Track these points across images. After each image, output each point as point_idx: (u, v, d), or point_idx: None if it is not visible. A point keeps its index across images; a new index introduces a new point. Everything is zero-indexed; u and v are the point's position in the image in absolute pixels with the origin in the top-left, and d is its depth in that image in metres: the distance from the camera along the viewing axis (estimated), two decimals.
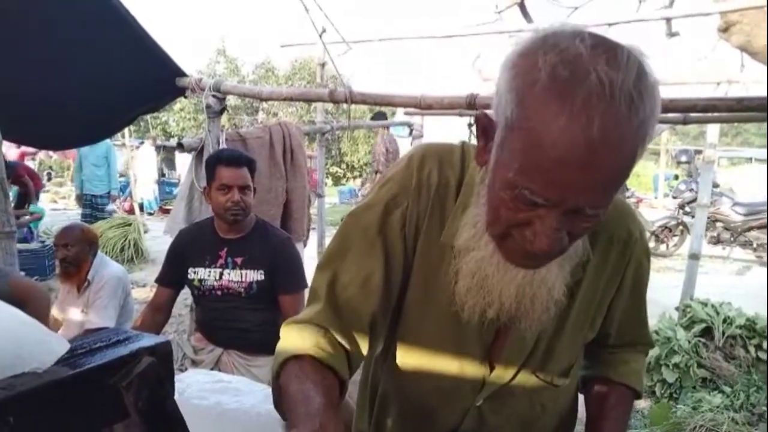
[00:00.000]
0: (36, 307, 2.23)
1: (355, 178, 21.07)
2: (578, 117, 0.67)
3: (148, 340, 0.87)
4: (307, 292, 2.64)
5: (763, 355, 3.91)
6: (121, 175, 11.82)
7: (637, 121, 0.68)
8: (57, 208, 12.69)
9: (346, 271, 0.97)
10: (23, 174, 7.62)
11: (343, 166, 21.39)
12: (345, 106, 2.95)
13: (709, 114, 2.25)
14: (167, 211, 11.29)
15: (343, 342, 0.93)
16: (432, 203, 0.97)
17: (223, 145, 3.22)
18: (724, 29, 5.62)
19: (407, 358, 1.06)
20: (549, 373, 1.04)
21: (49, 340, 0.79)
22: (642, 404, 3.67)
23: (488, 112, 0.85)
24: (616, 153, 0.69)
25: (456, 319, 0.95)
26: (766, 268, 6.96)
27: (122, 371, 0.82)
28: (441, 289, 0.96)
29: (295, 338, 0.92)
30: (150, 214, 11.98)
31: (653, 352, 3.87)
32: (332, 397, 0.84)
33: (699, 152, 8.89)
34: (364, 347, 0.97)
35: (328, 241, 4.26)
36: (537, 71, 0.70)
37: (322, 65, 4.26)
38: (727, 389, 3.69)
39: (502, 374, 1.02)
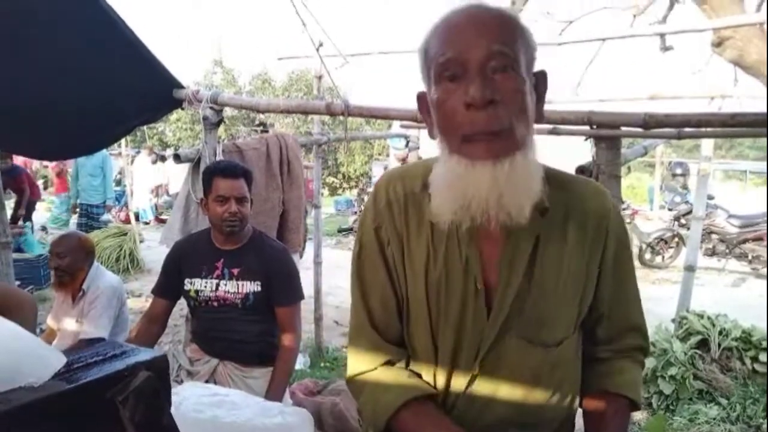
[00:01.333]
0: (22, 315, 2.15)
1: (351, 188, 21.07)
2: (456, 10, 0.97)
3: (145, 354, 0.88)
4: (302, 303, 2.65)
5: (759, 368, 3.92)
6: (117, 184, 11.83)
7: (501, 10, 0.97)
8: None
9: (376, 302, 1.15)
10: (25, 181, 7.58)
11: (340, 176, 21.40)
12: (342, 117, 2.97)
13: (703, 129, 2.27)
14: (163, 221, 11.28)
15: (409, 362, 1.14)
16: (405, 210, 1.11)
17: (219, 157, 3.23)
18: (718, 44, 5.67)
19: (415, 342, 1.14)
20: (540, 339, 1.07)
21: (46, 355, 0.80)
22: (639, 416, 3.66)
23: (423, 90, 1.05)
24: (488, 14, 0.95)
25: (447, 293, 1.07)
26: (765, 280, 6.97)
27: (119, 386, 0.82)
28: (434, 276, 1.08)
29: (382, 393, 1.10)
30: (146, 223, 11.97)
31: (650, 364, 3.86)
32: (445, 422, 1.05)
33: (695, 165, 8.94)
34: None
35: (324, 251, 4.24)
36: (433, 27, 0.99)
37: (319, 78, 4.28)
38: (724, 401, 3.70)
39: (490, 335, 1.06)
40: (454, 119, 0.95)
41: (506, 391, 1.09)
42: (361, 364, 1.15)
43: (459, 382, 1.10)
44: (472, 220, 0.98)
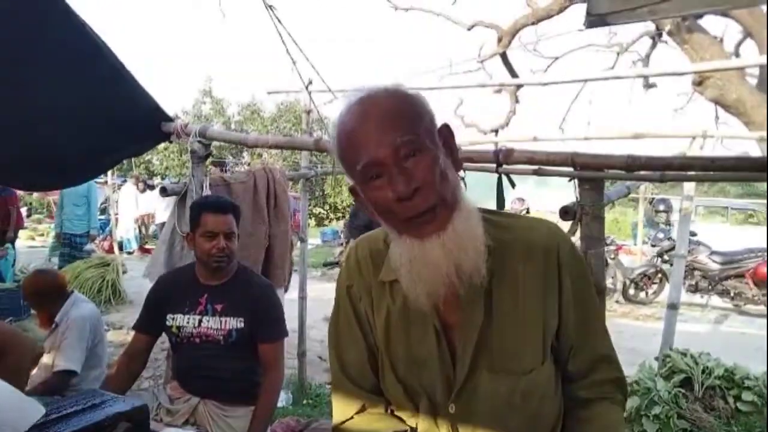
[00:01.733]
0: (17, 357, 2.18)
1: (338, 219, 21.08)
2: (345, 113, 1.06)
3: (125, 404, 0.86)
4: (286, 341, 2.62)
5: (742, 406, 3.91)
6: (102, 213, 11.73)
7: (391, 92, 1.05)
8: (34, 245, 12.51)
9: (353, 356, 1.26)
10: (13, 205, 7.43)
11: (327, 206, 21.42)
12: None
13: (684, 173, 2.31)
14: (148, 251, 11.18)
15: (381, 404, 1.24)
16: (371, 267, 1.23)
17: (207, 191, 3.22)
18: (699, 83, 5.82)
19: (390, 388, 1.22)
20: (508, 368, 1.12)
21: (25, 407, 0.78)
22: None
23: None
24: (375, 107, 1.03)
25: (416, 340, 1.17)
26: (766, 319, 6.99)
27: None
28: (396, 323, 1.19)
29: None
30: (129, 253, 11.86)
31: (634, 403, 3.85)
32: None
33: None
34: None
35: (310, 283, 4.21)
36: (334, 132, 1.08)
37: (308, 112, 4.32)
38: None
39: (462, 372, 1.13)
40: (391, 209, 1.04)
41: (485, 424, 1.12)
42: (340, 414, 1.26)
43: (440, 423, 1.15)
44: (441, 294, 1.09)
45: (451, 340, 1.15)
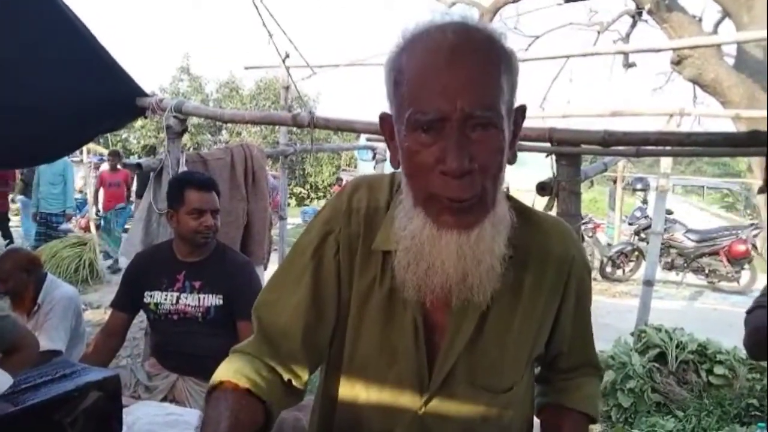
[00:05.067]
0: (26, 354, 2.26)
1: (319, 198, 21.02)
2: (437, 38, 0.85)
3: (96, 374, 0.85)
4: None
5: (714, 380, 4.01)
6: (79, 192, 11.54)
7: (485, 35, 0.86)
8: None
9: (279, 298, 1.05)
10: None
11: (307, 186, 21.33)
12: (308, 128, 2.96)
13: (661, 147, 2.33)
14: (125, 230, 11.05)
15: (277, 368, 1.00)
16: (363, 225, 1.03)
17: (183, 167, 3.18)
18: (677, 62, 5.86)
19: (350, 374, 1.08)
20: (488, 385, 1.04)
21: None
22: (598, 429, 3.71)
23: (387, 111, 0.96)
24: (473, 54, 0.84)
25: (393, 328, 1.01)
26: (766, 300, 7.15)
27: (67, 407, 0.80)
28: (378, 301, 1.02)
29: (224, 366, 0.99)
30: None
31: (609, 377, 3.93)
32: (242, 421, 0.90)
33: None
34: (303, 371, 1.03)
35: None
36: (407, 45, 0.88)
37: (286, 88, 4.27)
38: (680, 414, 3.77)
39: (437, 379, 1.02)
40: (424, 176, 0.87)
41: (455, 429, 1.05)
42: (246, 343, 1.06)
43: (403, 417, 1.05)
44: (433, 292, 0.93)
45: (431, 339, 1.02)
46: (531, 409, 1.19)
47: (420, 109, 0.84)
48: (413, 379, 1.02)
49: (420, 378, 1.02)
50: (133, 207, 8.85)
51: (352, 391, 1.08)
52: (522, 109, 0.95)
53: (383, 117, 0.97)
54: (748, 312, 1.73)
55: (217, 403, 0.93)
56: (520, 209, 1.04)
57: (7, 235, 7.93)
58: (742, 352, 4.11)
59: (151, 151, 17.24)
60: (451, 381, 1.02)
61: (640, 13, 7.33)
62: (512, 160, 0.94)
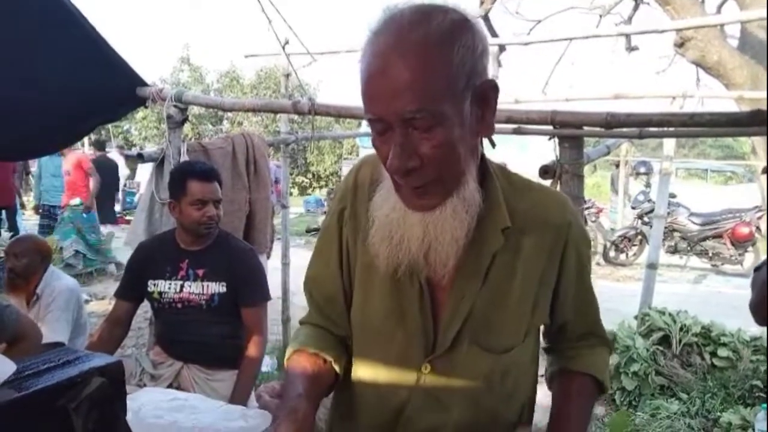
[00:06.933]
0: (30, 344, 2.28)
1: (321, 187, 21.01)
2: (373, 43, 0.90)
3: (99, 360, 0.85)
4: (270, 305, 2.62)
5: (717, 362, 4.01)
6: None
7: (420, 34, 0.86)
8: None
9: (319, 272, 1.20)
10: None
11: (309, 175, 21.31)
12: (309, 116, 2.95)
13: (664, 129, 2.31)
14: (128, 222, 11.06)
15: (333, 330, 1.17)
16: (368, 197, 1.10)
17: (184, 157, 3.18)
18: (680, 44, 5.81)
19: (359, 338, 1.16)
20: (489, 345, 1.08)
21: None
22: (602, 412, 3.72)
23: None
24: (401, 60, 0.86)
25: (400, 293, 1.08)
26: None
27: (71, 393, 0.80)
28: (383, 257, 1.07)
29: (294, 338, 1.17)
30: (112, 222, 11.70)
31: (613, 360, 3.93)
32: (314, 384, 1.06)
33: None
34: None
35: (292, 251, 4.20)
36: (363, 47, 0.92)
37: (287, 76, 4.24)
38: (684, 396, 3.78)
39: (444, 341, 1.07)
40: (386, 166, 0.95)
41: (459, 393, 1.09)
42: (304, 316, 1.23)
43: (409, 376, 1.09)
44: (400, 265, 1.02)
45: (436, 299, 1.07)
46: (533, 390, 1.20)
47: (368, 112, 0.92)
48: (420, 340, 1.08)
49: (426, 339, 1.07)
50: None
51: (359, 354, 1.16)
52: (490, 84, 0.95)
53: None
54: (756, 269, 1.70)
55: (294, 369, 1.09)
56: (519, 182, 1.13)
57: (14, 228, 7.92)
58: (746, 335, 4.12)
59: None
60: (456, 342, 1.07)
61: None
62: (488, 133, 1.00)
